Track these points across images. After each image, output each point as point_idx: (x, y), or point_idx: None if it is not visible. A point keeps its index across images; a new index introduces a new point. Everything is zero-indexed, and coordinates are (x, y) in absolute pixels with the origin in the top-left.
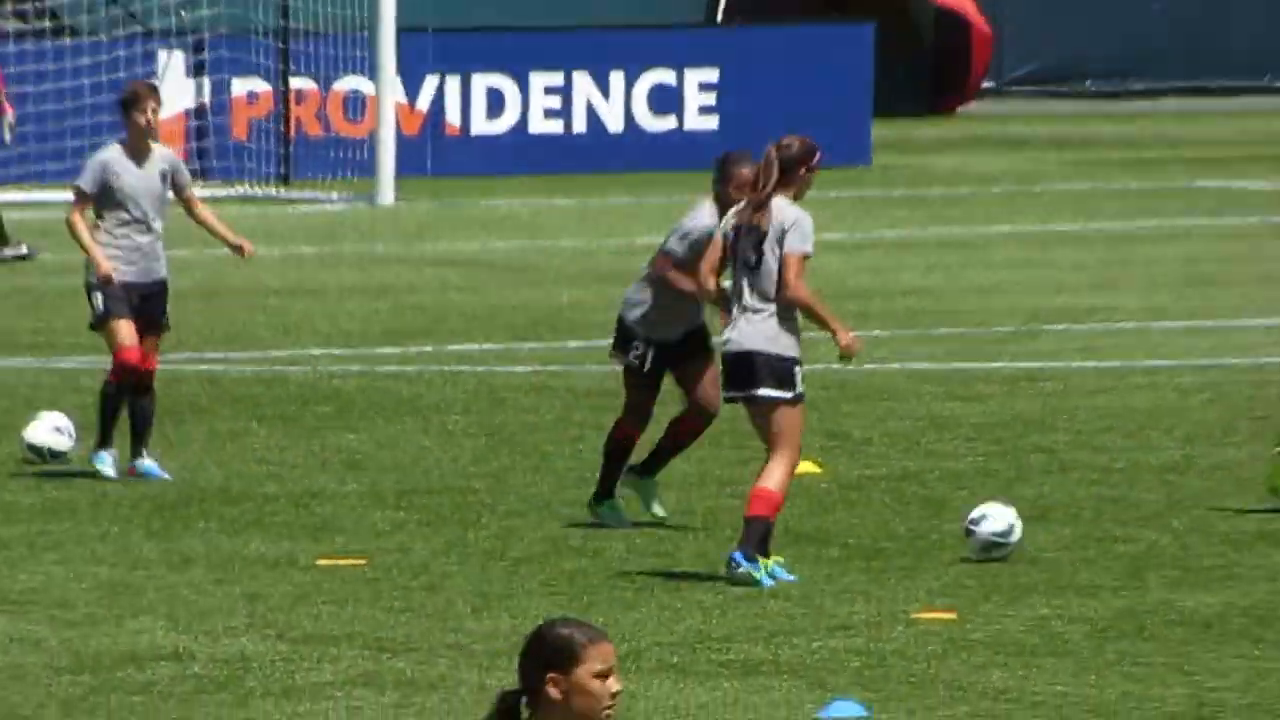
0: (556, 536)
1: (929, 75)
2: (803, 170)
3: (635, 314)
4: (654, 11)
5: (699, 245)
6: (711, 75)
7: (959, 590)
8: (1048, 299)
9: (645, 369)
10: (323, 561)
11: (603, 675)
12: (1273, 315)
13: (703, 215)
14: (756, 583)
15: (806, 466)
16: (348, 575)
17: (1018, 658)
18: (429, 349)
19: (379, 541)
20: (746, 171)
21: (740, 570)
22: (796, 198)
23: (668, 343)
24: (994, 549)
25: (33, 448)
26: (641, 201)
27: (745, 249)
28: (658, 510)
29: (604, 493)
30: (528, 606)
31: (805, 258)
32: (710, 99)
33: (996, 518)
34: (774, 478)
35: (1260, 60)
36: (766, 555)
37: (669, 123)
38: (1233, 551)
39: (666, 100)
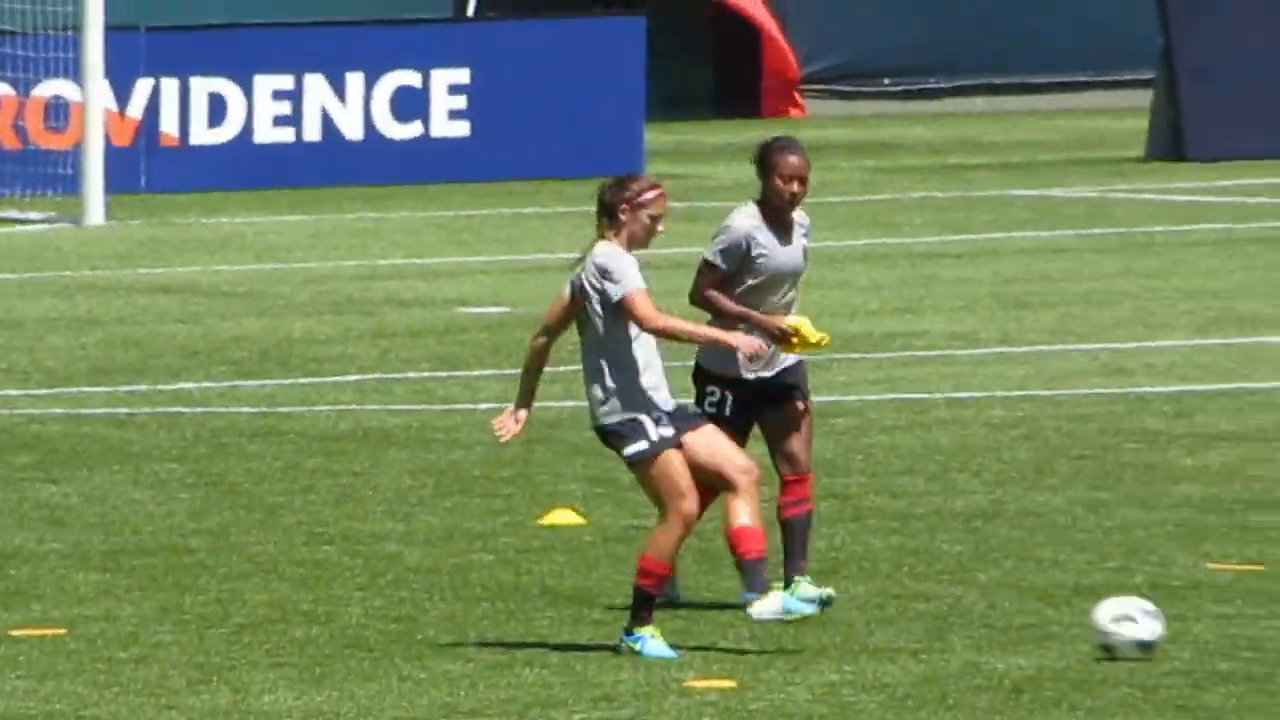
0: (284, 600)
1: (714, 77)
2: (623, 209)
3: (703, 351)
4: (396, 6)
5: (731, 255)
6: (461, 76)
7: (739, 656)
8: (842, 324)
9: (726, 414)
10: (17, 632)
11: None
12: (1093, 341)
13: (739, 218)
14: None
15: (568, 516)
16: (46, 646)
17: None
18: (142, 388)
19: (82, 608)
20: (795, 159)
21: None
22: (632, 244)
23: (745, 381)
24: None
25: None
26: (384, 218)
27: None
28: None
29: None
30: (250, 680)
31: (640, 291)
32: (460, 103)
33: (1143, 623)
34: (664, 534)
35: (1077, 53)
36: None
37: (414, 129)
38: (1047, 608)
39: (411, 105)
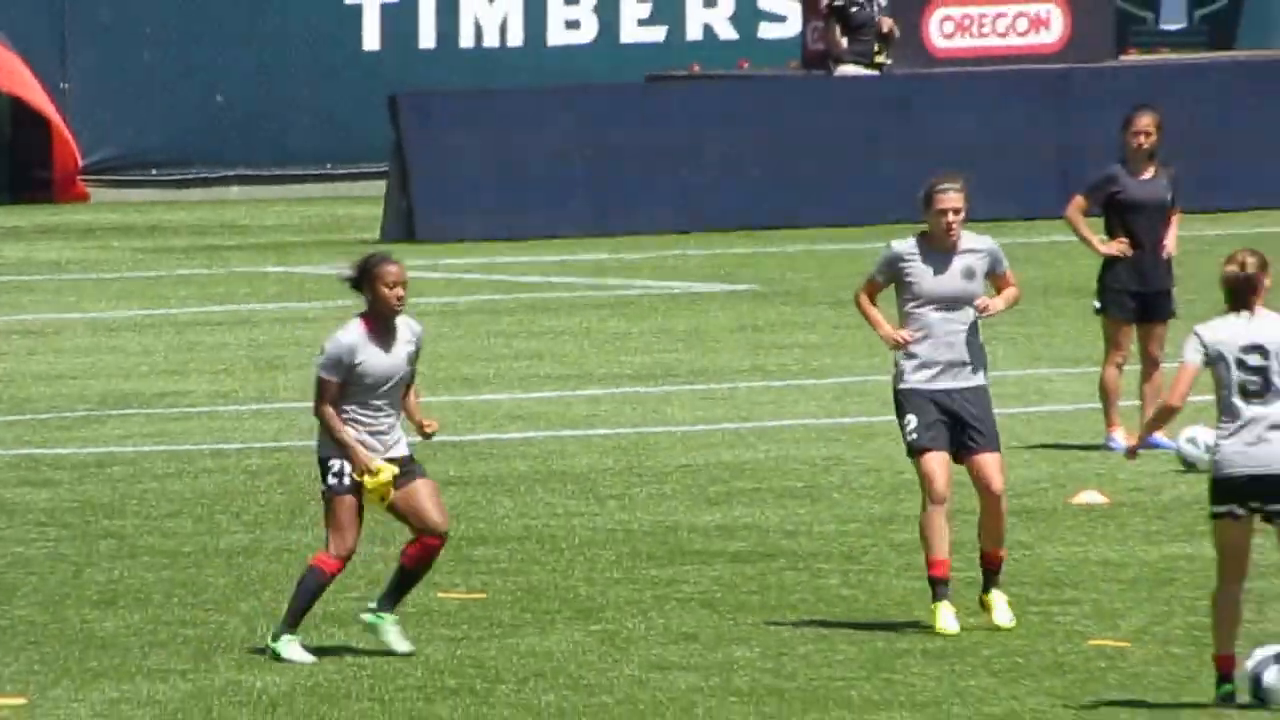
0: None
1: (9, 163)
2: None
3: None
4: None
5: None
6: None
7: (29, 675)
8: (118, 384)
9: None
10: None
11: None
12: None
13: (342, 334)
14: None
15: None
16: None
17: None
18: None
19: None
20: (395, 268)
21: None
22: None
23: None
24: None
25: None
26: None
27: None
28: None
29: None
30: None
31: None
32: None
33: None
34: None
35: (320, 148)
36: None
37: None
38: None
39: None
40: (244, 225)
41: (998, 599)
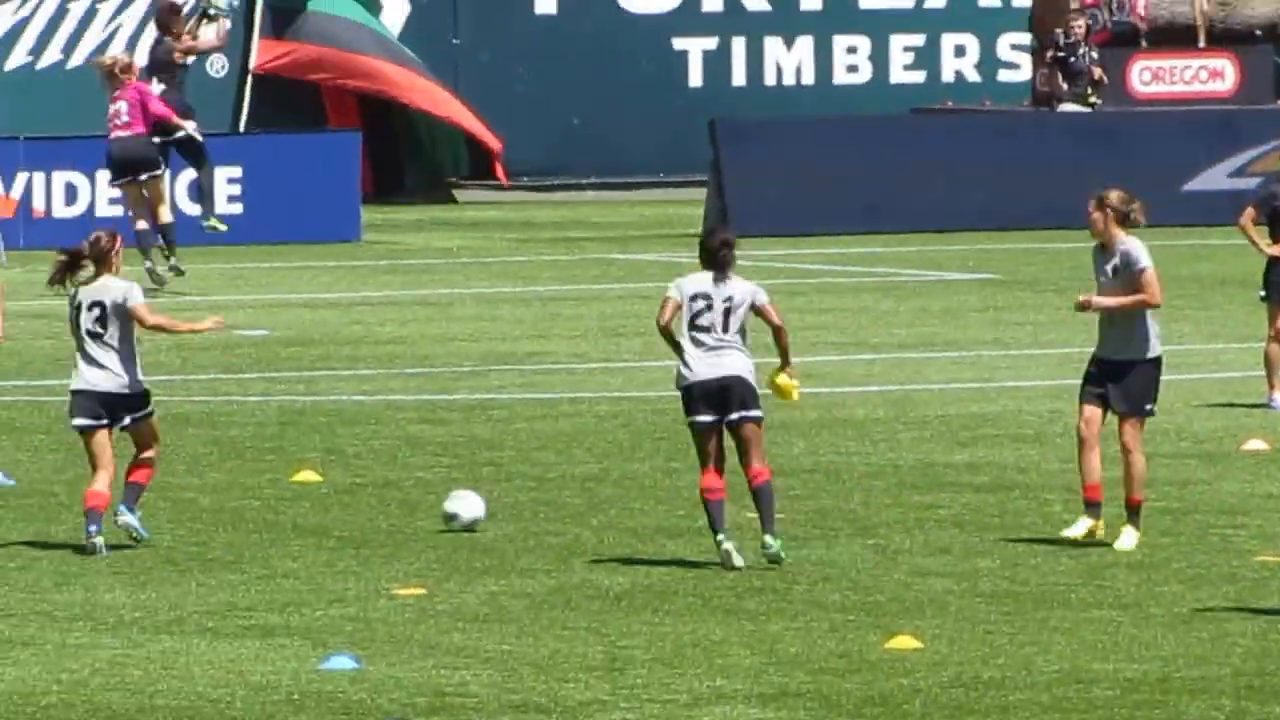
0: (118, 530)
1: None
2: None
3: None
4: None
5: None
6: (236, 172)
7: (428, 572)
8: (495, 345)
9: None
10: None
11: None
12: (668, 359)
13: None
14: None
15: (309, 475)
16: None
17: (473, 624)
18: (20, 383)
19: None
20: None
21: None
22: None
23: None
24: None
25: None
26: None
27: None
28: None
29: None
30: (97, 583)
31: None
32: (236, 190)
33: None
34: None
35: (654, 162)
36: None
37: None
38: (638, 542)
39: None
40: (595, 222)
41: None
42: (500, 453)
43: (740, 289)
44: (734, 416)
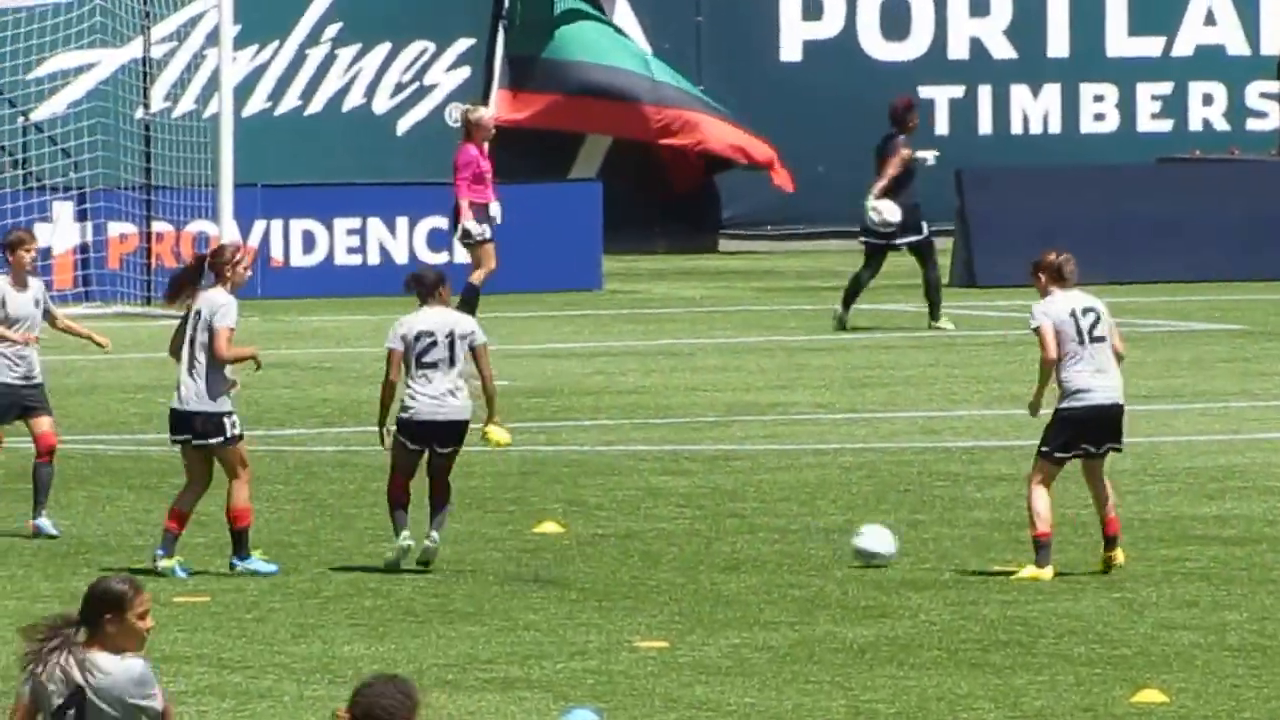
0: (357, 580)
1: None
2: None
3: None
4: (435, 173)
5: None
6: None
7: (670, 624)
8: (739, 395)
9: None
10: (178, 599)
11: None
12: (913, 410)
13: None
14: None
15: (551, 526)
16: (197, 609)
17: (716, 677)
18: (258, 433)
19: (219, 583)
20: None
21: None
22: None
23: None
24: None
25: None
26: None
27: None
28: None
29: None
30: (335, 635)
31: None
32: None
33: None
34: (240, 496)
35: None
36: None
37: (442, 257)
38: (882, 595)
39: (440, 240)
40: (840, 271)
41: None
42: (743, 504)
43: None
44: None
